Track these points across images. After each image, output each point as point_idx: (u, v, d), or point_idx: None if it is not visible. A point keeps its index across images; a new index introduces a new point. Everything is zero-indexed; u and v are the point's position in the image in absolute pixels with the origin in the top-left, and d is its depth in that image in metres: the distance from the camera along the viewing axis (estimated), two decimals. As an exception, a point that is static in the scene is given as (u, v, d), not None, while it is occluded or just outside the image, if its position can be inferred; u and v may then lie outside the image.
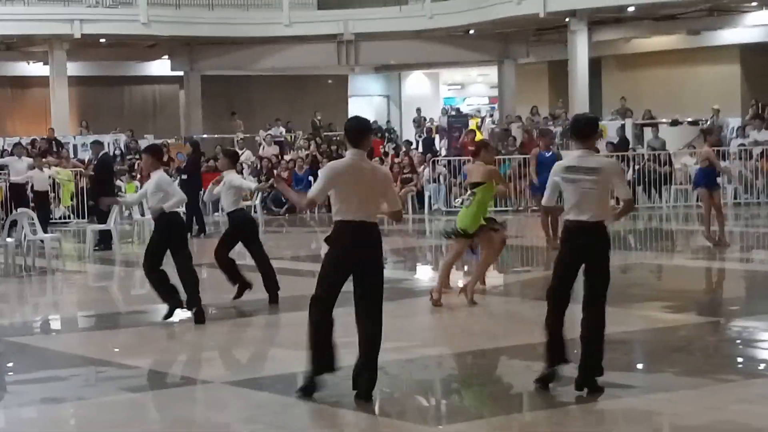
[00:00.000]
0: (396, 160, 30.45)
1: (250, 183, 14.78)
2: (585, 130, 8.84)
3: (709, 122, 33.19)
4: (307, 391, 8.61)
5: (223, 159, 14.90)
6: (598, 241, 8.61)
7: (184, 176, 24.88)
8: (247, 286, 13.96)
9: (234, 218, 14.24)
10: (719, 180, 19.80)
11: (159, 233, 13.00)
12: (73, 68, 37.78)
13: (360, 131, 8.73)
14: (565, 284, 8.64)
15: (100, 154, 23.24)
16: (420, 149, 34.75)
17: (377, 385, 8.55)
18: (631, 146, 31.04)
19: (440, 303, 13.05)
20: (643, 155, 28.94)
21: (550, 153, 18.93)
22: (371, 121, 39.45)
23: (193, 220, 24.19)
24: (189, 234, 23.46)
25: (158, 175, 12.92)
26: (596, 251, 8.59)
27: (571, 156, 8.89)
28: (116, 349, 11.38)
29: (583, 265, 8.61)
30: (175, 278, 12.69)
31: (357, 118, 9.02)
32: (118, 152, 33.63)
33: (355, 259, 8.50)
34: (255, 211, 29.21)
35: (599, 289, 8.59)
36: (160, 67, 41.13)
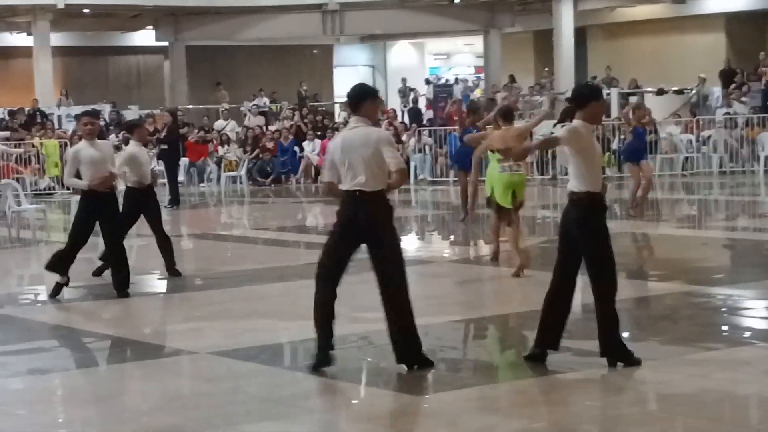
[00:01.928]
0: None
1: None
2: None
3: (694, 91, 33.22)
4: (320, 365, 8.58)
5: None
6: None
7: (164, 146, 24.79)
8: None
9: None
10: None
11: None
12: (57, 39, 37.59)
13: (355, 97, 8.68)
14: (575, 263, 8.59)
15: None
16: (406, 119, 34.71)
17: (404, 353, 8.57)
18: (616, 116, 31.05)
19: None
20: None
21: (477, 130, 18.95)
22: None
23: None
24: (168, 205, 23.55)
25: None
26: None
27: None
28: (102, 320, 11.37)
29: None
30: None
31: (358, 85, 8.88)
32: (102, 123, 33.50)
33: (358, 228, 8.45)
34: (240, 182, 29.25)
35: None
36: (145, 37, 40.96)
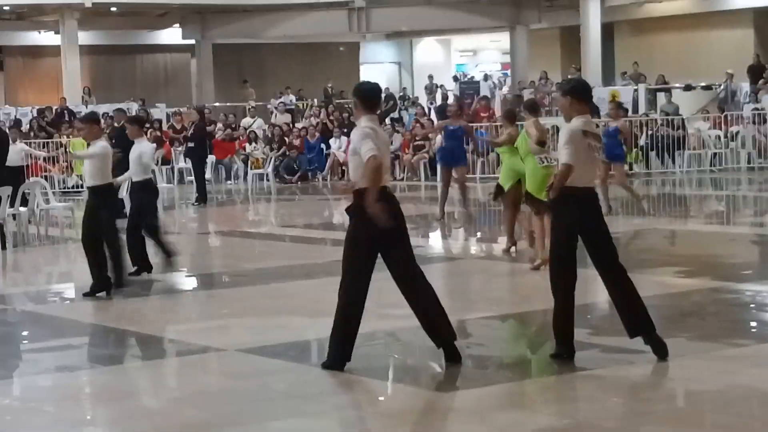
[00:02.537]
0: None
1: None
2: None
3: (722, 86, 33.06)
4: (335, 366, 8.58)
5: (131, 126, 14.44)
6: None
7: (191, 144, 24.84)
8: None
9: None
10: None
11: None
12: (85, 37, 37.75)
13: (376, 96, 8.68)
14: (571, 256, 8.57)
15: (121, 122, 22.95)
16: (433, 116, 34.67)
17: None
18: (644, 111, 30.96)
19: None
20: (656, 120, 28.83)
21: (456, 126, 18.93)
22: (384, 88, 39.38)
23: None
24: (195, 203, 23.59)
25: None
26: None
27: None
28: (130, 318, 11.41)
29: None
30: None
31: (370, 84, 8.82)
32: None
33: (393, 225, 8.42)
34: (267, 179, 29.28)
35: (610, 252, 8.55)
36: (172, 35, 41.07)
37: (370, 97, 8.60)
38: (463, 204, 18.82)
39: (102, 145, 12.78)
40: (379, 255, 8.47)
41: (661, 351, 8.44)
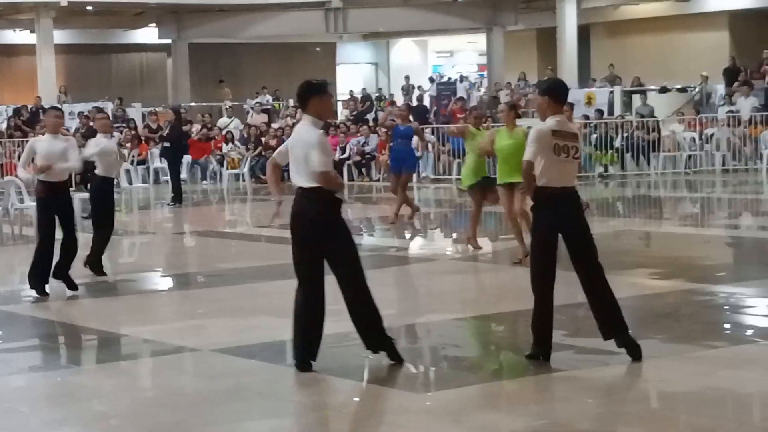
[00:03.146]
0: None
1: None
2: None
3: (697, 89, 33.20)
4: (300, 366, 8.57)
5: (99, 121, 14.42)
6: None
7: (167, 144, 24.78)
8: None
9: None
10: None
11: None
12: (60, 36, 37.61)
13: (300, 95, 8.65)
14: (551, 257, 8.57)
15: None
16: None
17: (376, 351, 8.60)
18: (619, 113, 31.05)
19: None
20: (631, 122, 28.93)
21: (405, 126, 18.96)
22: (361, 89, 39.17)
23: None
24: (171, 203, 23.50)
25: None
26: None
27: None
28: (104, 317, 11.37)
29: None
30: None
31: (304, 82, 8.73)
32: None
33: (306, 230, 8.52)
34: (243, 179, 29.24)
35: (591, 253, 8.57)
36: (148, 35, 40.98)
37: (296, 97, 8.73)
38: (399, 209, 18.42)
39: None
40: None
41: (635, 352, 8.47)
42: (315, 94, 8.57)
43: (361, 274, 8.51)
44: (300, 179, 8.50)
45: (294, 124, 31.72)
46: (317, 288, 8.47)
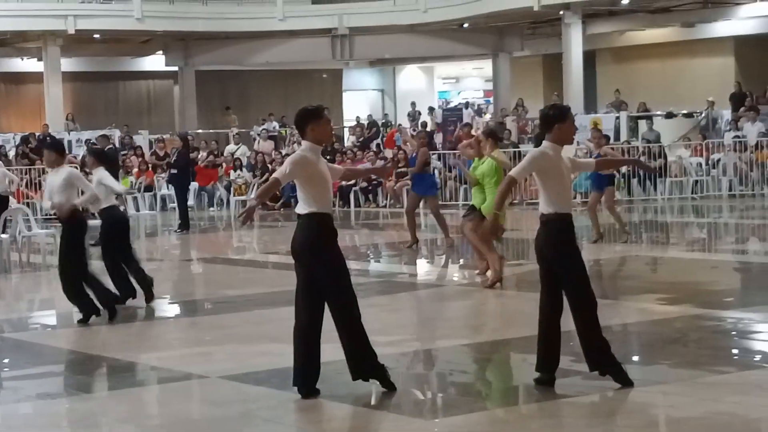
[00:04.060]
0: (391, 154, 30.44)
1: (119, 186, 13.96)
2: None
3: (703, 114, 33.21)
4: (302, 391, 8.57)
5: (90, 158, 14.45)
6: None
7: (174, 171, 24.81)
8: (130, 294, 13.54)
9: (106, 216, 13.67)
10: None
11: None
12: (67, 64, 37.76)
13: (298, 122, 8.79)
14: (556, 283, 8.57)
15: (106, 148, 22.88)
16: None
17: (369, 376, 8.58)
18: (625, 139, 31.06)
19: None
20: (637, 148, 28.94)
21: (415, 154, 19.13)
22: (367, 115, 39.21)
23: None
24: (178, 230, 23.54)
25: (67, 171, 12.69)
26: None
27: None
28: (112, 344, 11.37)
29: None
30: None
31: (301, 108, 8.89)
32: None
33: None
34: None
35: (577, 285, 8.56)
36: (155, 62, 41.12)
37: (294, 124, 8.81)
38: (444, 233, 18.81)
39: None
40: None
41: (621, 379, 8.45)
42: (312, 120, 8.65)
43: (351, 302, 8.48)
44: (298, 206, 8.62)
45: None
46: (313, 315, 8.46)
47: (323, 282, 8.45)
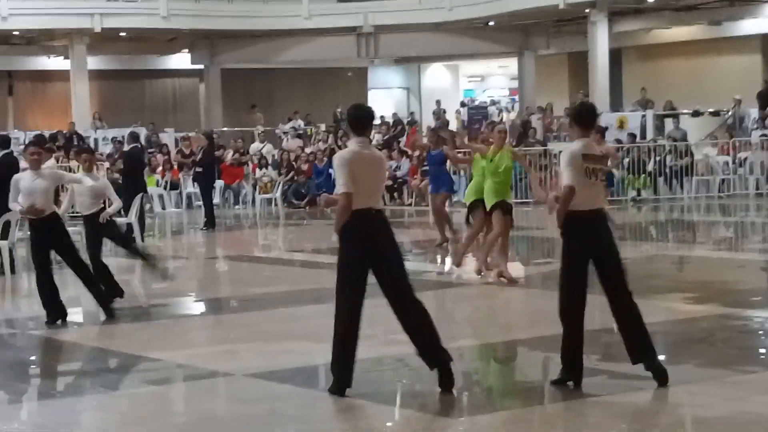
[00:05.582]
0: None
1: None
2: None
3: (730, 112, 33.08)
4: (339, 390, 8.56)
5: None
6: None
7: (199, 169, 24.87)
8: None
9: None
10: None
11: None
12: (94, 62, 37.89)
13: (364, 118, 8.70)
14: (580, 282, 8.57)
15: (130, 146, 22.93)
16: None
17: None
18: (651, 137, 30.97)
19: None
20: (664, 146, 28.85)
21: (437, 151, 19.17)
22: (392, 113, 39.30)
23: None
24: (204, 227, 23.57)
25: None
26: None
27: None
28: (138, 342, 11.42)
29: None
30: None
31: (360, 106, 8.90)
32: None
33: (373, 248, 8.46)
34: (275, 204, 29.33)
35: (620, 277, 8.56)
36: (180, 60, 41.20)
37: (353, 120, 8.72)
38: (449, 229, 18.87)
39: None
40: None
41: (661, 378, 8.42)
42: (373, 119, 8.88)
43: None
44: (378, 200, 8.65)
45: (326, 148, 31.95)
46: (357, 310, 8.48)
47: (397, 272, 8.60)
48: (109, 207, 13.36)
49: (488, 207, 14.32)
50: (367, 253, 8.41)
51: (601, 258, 8.51)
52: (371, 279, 8.48)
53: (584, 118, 8.73)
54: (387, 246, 8.49)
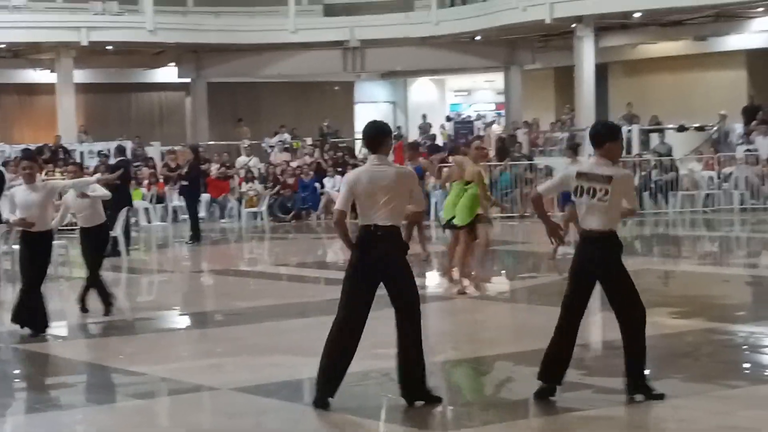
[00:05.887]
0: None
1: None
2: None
3: (715, 127, 33.18)
4: (320, 404, 8.55)
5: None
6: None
7: (185, 182, 24.84)
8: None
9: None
10: None
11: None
12: (80, 75, 37.86)
13: (376, 136, 8.71)
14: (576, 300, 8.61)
15: (118, 160, 22.88)
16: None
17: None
18: (637, 152, 31.03)
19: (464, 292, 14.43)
20: (649, 161, 28.92)
21: (416, 167, 19.12)
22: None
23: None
24: (189, 241, 23.57)
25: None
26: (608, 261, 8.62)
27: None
28: (123, 356, 11.39)
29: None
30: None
31: (373, 123, 8.84)
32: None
33: (381, 264, 8.47)
34: (261, 218, 29.31)
35: (621, 298, 8.60)
36: (167, 74, 41.19)
37: (364, 138, 8.81)
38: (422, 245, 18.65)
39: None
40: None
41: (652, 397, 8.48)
42: (389, 135, 8.80)
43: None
44: (389, 217, 8.57)
45: (312, 162, 31.96)
46: (358, 322, 8.51)
47: (403, 286, 8.65)
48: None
49: (464, 223, 14.49)
50: (367, 269, 8.45)
51: (601, 279, 8.61)
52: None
53: (591, 136, 8.85)
54: (388, 263, 8.50)
